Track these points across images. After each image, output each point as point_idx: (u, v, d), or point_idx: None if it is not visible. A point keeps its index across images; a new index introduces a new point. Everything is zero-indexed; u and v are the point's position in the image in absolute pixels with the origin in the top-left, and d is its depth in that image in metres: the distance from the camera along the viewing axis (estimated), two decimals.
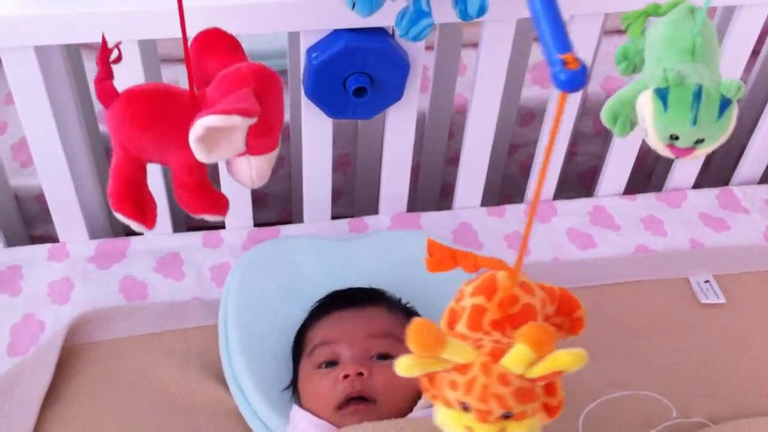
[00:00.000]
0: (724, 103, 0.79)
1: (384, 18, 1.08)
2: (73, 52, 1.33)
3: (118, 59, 0.82)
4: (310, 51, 1.17)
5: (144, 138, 0.84)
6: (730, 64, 1.37)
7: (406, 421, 0.95)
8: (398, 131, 1.33)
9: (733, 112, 0.80)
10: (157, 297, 1.29)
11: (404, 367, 0.64)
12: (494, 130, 1.38)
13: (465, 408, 0.64)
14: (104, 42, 0.80)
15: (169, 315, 1.24)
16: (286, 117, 1.60)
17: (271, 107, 0.83)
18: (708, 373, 1.22)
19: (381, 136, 1.38)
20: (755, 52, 1.48)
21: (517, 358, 0.63)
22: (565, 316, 0.76)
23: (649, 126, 0.80)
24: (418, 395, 1.02)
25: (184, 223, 1.66)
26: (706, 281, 1.34)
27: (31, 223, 1.57)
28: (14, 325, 1.24)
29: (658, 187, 1.59)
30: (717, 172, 1.78)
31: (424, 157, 1.67)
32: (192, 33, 0.90)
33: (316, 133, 1.30)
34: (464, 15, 1.04)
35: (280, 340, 1.17)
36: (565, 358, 0.62)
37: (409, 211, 1.46)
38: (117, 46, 0.80)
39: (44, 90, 1.17)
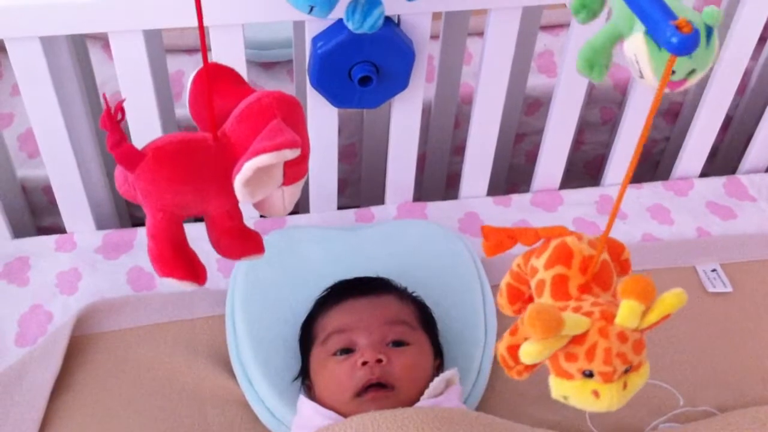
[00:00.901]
0: (709, 31, 0.80)
1: (389, 8, 1.08)
2: (78, 43, 1.33)
3: (123, 118, 0.75)
4: (315, 40, 1.17)
5: (184, 195, 0.77)
6: (737, 51, 1.36)
7: (413, 410, 0.95)
8: (404, 120, 1.33)
9: (716, 38, 0.82)
10: (164, 287, 1.29)
11: (531, 354, 0.64)
12: (500, 119, 1.37)
13: (587, 375, 0.65)
14: (107, 104, 0.73)
15: (176, 305, 1.24)
16: None
17: (301, 133, 0.78)
18: (715, 361, 1.22)
19: (387, 126, 1.38)
20: (762, 39, 1.48)
21: (629, 314, 0.64)
22: (615, 261, 0.77)
23: (646, 66, 0.81)
24: (428, 383, 1.03)
25: None
26: (713, 270, 1.33)
27: (39, 214, 1.57)
28: (22, 315, 1.24)
29: (664, 175, 1.58)
30: (724, 160, 1.78)
31: (430, 146, 1.67)
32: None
33: (321, 122, 1.30)
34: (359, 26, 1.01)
35: (287, 329, 1.17)
36: (672, 301, 0.64)
37: (415, 201, 1.46)
38: (120, 105, 0.73)
39: (50, 80, 1.17)
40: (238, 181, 0.73)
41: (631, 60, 0.81)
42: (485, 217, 1.43)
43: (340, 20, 1.15)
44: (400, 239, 1.32)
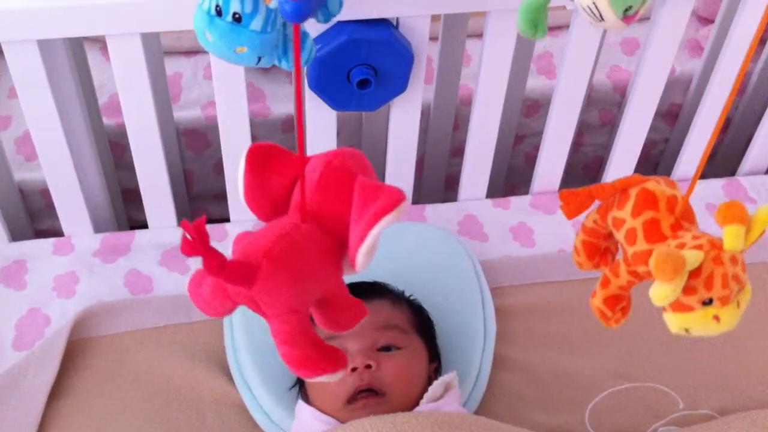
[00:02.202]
0: None
1: (388, 9, 1.08)
2: (76, 46, 1.33)
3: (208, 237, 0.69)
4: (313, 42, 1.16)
5: (307, 289, 0.72)
6: (737, 54, 1.36)
7: (412, 415, 0.95)
8: (403, 123, 1.33)
9: None
10: (162, 290, 1.29)
11: (666, 295, 0.68)
12: (499, 120, 1.37)
13: (707, 303, 0.69)
14: (192, 228, 0.66)
15: (174, 308, 1.24)
16: (290, 109, 1.60)
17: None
18: (715, 365, 1.21)
19: (385, 128, 1.38)
20: (762, 41, 1.47)
21: (735, 237, 0.68)
22: None
23: (606, 9, 0.84)
24: (425, 387, 1.02)
25: (188, 216, 1.67)
26: None
27: (36, 217, 1.56)
28: (20, 319, 1.24)
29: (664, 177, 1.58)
30: (723, 162, 1.78)
31: (429, 148, 1.67)
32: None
33: (320, 125, 1.29)
34: (327, 17, 0.96)
35: None
36: (765, 216, 0.68)
37: (414, 203, 1.46)
38: (201, 223, 0.67)
39: (47, 83, 1.16)
40: (364, 251, 0.69)
41: (587, 6, 0.83)
42: (484, 220, 1.43)
43: (339, 23, 1.15)
44: (398, 242, 1.31)
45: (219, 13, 0.87)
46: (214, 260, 0.67)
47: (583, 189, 0.79)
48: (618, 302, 0.80)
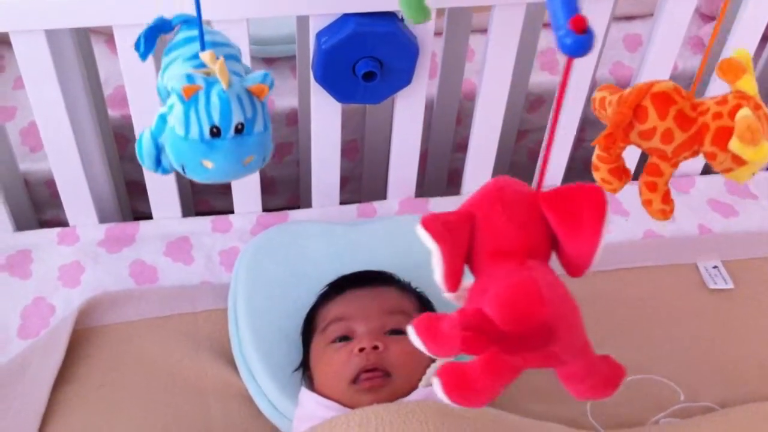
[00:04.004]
0: None
1: (394, 2, 1.08)
2: (83, 36, 1.33)
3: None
4: (319, 35, 1.17)
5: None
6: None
7: (416, 404, 0.95)
8: (407, 116, 1.34)
9: None
10: (166, 281, 1.30)
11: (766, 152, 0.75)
12: (502, 116, 1.38)
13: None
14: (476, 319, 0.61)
15: (178, 298, 1.25)
16: (294, 102, 1.61)
17: None
18: (716, 357, 1.22)
19: (389, 122, 1.38)
20: (765, 38, 1.48)
21: (752, 84, 0.80)
22: None
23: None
24: (424, 372, 1.03)
25: (192, 208, 1.67)
26: (715, 267, 1.34)
27: (41, 208, 1.57)
28: (25, 308, 1.24)
29: None
30: None
31: (432, 143, 1.67)
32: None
33: (324, 117, 1.30)
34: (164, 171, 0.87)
35: (289, 323, 1.17)
36: (742, 53, 0.81)
37: (416, 197, 1.46)
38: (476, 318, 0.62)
39: (54, 74, 1.17)
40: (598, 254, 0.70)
41: None
42: None
43: (345, 15, 1.15)
44: (401, 234, 1.32)
45: (216, 133, 0.80)
46: (491, 337, 0.61)
47: (608, 134, 0.88)
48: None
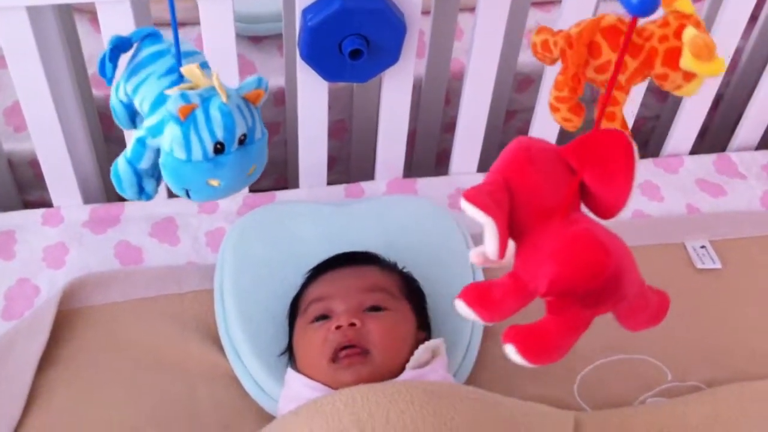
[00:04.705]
0: None
1: None
2: (65, 14, 1.32)
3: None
4: (305, 12, 1.16)
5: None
6: (728, 30, 1.36)
7: (401, 383, 0.95)
8: (395, 96, 1.32)
9: None
10: (152, 262, 1.29)
11: (719, 67, 0.77)
12: (491, 95, 1.37)
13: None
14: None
15: (164, 279, 1.24)
16: (282, 82, 1.59)
17: None
18: (703, 337, 1.22)
19: (377, 102, 1.37)
20: (753, 18, 1.47)
21: (688, 3, 0.82)
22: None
23: None
24: (411, 353, 1.02)
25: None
26: (702, 246, 1.34)
27: (25, 188, 1.56)
28: (9, 289, 1.23)
29: (655, 153, 1.58)
30: (714, 138, 1.78)
31: (421, 123, 1.66)
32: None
33: (311, 96, 1.29)
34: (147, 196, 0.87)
35: (275, 304, 1.17)
36: None
37: (405, 177, 1.46)
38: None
39: (37, 52, 1.15)
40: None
41: None
42: None
43: None
44: (389, 215, 1.31)
45: (220, 150, 0.78)
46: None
47: (574, 74, 0.89)
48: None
